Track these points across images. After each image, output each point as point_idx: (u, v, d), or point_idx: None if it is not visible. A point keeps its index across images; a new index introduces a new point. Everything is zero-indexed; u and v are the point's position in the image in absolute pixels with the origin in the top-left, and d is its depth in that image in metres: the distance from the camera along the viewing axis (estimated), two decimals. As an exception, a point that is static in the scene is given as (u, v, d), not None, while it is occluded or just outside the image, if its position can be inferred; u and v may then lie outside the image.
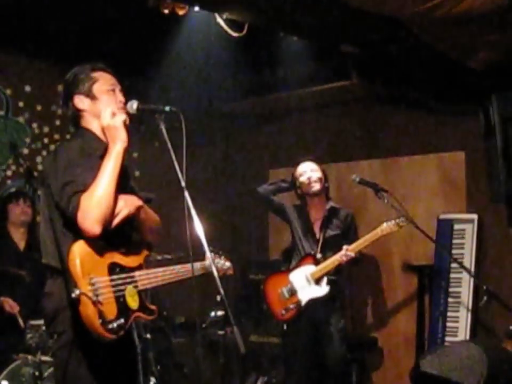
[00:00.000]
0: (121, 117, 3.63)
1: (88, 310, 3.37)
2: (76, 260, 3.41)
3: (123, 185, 3.76)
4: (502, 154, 6.48)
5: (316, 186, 6.25)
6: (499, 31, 5.49)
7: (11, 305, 5.90)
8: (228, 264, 4.24)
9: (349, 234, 6.24)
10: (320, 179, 6.27)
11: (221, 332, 3.84)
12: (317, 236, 6.32)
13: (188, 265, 3.81)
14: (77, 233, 3.45)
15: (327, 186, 6.38)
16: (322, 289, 6.08)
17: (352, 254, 5.96)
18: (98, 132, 3.80)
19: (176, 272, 3.92)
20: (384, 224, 6.03)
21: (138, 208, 3.71)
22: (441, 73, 6.61)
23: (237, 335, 3.61)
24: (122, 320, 3.52)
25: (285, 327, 6.33)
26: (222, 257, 4.26)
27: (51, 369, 5.12)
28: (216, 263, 4.08)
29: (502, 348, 1.86)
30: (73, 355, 3.52)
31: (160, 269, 3.90)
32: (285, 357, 6.56)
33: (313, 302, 6.09)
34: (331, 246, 6.14)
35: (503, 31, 5.50)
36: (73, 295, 3.34)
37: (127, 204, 3.61)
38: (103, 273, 3.53)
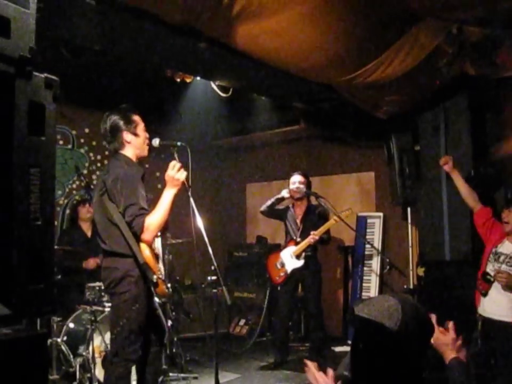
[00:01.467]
0: (184, 174, 3.64)
1: (162, 286, 3.65)
2: (151, 258, 3.61)
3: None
4: (398, 174, 6.54)
5: (298, 195, 6.30)
6: (395, 94, 5.54)
7: (93, 262, 5.83)
8: None
9: (320, 223, 6.21)
10: (301, 190, 6.27)
11: (214, 290, 3.85)
12: (299, 225, 6.35)
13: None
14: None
15: (308, 193, 6.33)
16: (300, 262, 6.18)
17: (316, 237, 6.05)
18: (134, 158, 3.84)
19: None
20: (334, 217, 6.12)
21: None
22: (359, 120, 6.64)
23: (225, 292, 3.69)
24: (169, 284, 3.70)
25: (279, 288, 6.38)
26: None
27: (102, 315, 5.11)
28: None
29: (411, 300, 1.91)
30: (132, 305, 3.64)
31: None
32: (277, 304, 6.58)
33: (296, 270, 6.20)
34: (308, 233, 6.15)
35: (398, 93, 5.55)
36: (154, 280, 3.54)
37: None
38: (156, 260, 3.71)
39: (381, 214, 7.55)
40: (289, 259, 6.22)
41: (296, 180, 6.32)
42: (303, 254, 6.19)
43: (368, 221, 7.61)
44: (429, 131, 6.01)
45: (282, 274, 6.24)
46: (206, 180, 8.64)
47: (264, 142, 8.64)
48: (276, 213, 6.53)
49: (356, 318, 1.93)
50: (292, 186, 6.32)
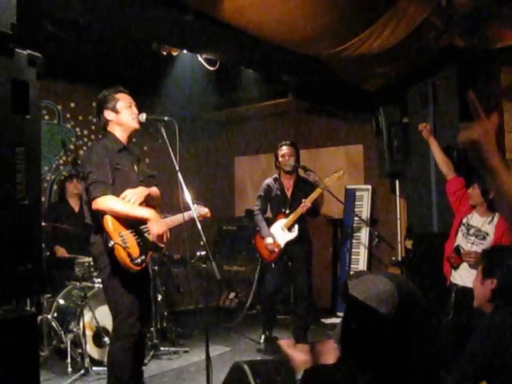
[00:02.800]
0: (161, 230, 3.70)
1: (121, 253, 3.54)
2: (109, 222, 3.56)
3: (140, 168, 3.88)
4: (387, 146, 6.54)
5: (289, 168, 6.04)
6: (384, 66, 5.52)
7: (62, 252, 5.93)
8: (206, 209, 4.26)
9: (306, 188, 6.07)
10: (292, 163, 6.06)
11: (203, 265, 3.87)
12: (288, 198, 6.10)
13: (180, 215, 3.87)
14: None
15: (297, 166, 6.10)
16: (294, 233, 5.94)
17: (309, 204, 5.82)
18: (118, 134, 3.91)
19: (174, 220, 3.96)
20: (319, 187, 5.94)
21: (146, 195, 3.80)
22: (347, 93, 6.61)
23: (214, 267, 3.69)
24: (143, 257, 3.65)
25: (273, 265, 6.05)
26: (202, 206, 4.27)
27: (92, 291, 5.14)
28: (198, 210, 4.11)
29: (408, 283, 1.89)
30: (116, 278, 3.68)
31: (166, 219, 3.95)
32: (266, 279, 6.33)
33: (288, 243, 5.95)
34: (297, 205, 5.94)
35: (386, 66, 5.53)
36: (109, 245, 3.50)
37: (139, 196, 3.74)
38: (127, 228, 3.62)
39: (369, 187, 7.57)
40: (281, 233, 5.98)
41: (285, 152, 6.09)
42: (296, 226, 5.96)
43: (357, 193, 7.63)
44: (417, 103, 6.01)
45: (276, 250, 5.95)
46: (194, 154, 8.61)
47: (252, 115, 8.60)
48: (267, 202, 6.26)
49: (349, 296, 1.91)
50: (281, 159, 6.10)
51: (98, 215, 3.63)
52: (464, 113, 5.59)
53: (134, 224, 3.72)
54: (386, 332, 1.84)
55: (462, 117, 5.56)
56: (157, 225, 3.69)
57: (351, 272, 7.28)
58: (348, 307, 1.96)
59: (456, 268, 4.46)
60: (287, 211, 6.05)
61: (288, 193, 6.15)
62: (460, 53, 5.40)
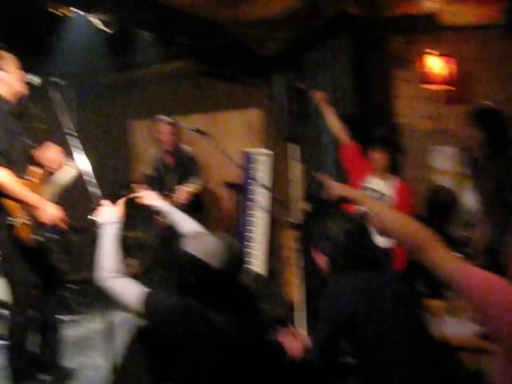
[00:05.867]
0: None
1: (22, 228, 3.54)
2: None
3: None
4: (283, 111, 6.63)
5: (169, 148, 6.08)
6: (280, 31, 5.59)
7: None
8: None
9: (190, 167, 6.16)
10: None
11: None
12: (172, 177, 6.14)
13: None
14: None
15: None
16: None
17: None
18: (4, 93, 3.72)
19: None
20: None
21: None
22: (245, 57, 6.64)
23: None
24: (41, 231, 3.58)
25: None
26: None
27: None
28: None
29: (237, 244, 2.17)
30: (10, 253, 3.66)
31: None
32: None
33: None
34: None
35: (283, 31, 5.60)
36: (10, 221, 3.50)
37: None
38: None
39: (268, 152, 7.65)
40: None
41: (164, 129, 6.07)
42: None
43: (255, 158, 7.71)
44: (312, 69, 6.13)
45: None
46: (88, 119, 8.38)
47: (149, 79, 8.47)
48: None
49: (183, 252, 2.30)
50: (160, 136, 6.07)
51: None
52: (356, 80, 5.78)
53: None
54: (216, 281, 2.28)
55: (354, 83, 5.75)
56: (47, 215, 3.62)
57: (249, 235, 7.43)
58: (182, 261, 2.31)
59: None
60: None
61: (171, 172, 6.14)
62: (353, 21, 5.56)
